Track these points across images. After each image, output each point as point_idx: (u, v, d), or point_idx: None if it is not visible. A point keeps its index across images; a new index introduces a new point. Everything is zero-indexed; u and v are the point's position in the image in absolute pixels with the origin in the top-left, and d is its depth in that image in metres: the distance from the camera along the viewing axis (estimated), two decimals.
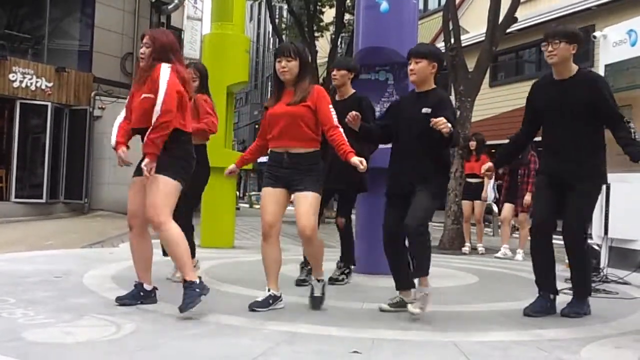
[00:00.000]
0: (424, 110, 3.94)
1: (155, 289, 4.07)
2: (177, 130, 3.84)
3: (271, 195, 4.01)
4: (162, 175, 3.78)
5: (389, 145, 4.36)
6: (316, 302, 4.10)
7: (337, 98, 5.25)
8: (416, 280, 3.99)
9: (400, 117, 4.13)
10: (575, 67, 4.17)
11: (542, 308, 4.18)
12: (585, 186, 4.10)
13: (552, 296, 4.25)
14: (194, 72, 5.09)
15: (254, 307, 3.95)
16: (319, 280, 4.15)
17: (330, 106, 3.97)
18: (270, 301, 4.00)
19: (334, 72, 5.30)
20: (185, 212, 4.86)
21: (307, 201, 3.91)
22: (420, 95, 4.09)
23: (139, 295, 3.99)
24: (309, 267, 5.26)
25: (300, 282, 5.09)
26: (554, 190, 4.21)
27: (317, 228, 3.99)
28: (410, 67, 4.06)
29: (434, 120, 3.72)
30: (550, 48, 4.11)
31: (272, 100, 4.09)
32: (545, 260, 4.30)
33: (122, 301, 3.94)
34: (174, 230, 3.80)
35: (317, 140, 4.01)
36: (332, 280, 5.12)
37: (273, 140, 4.04)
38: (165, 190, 3.80)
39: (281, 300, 4.07)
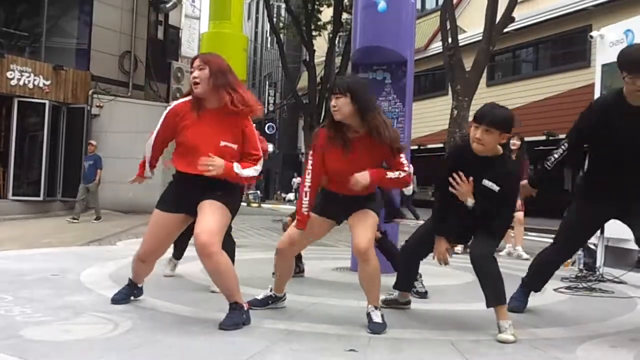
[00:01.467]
0: (487, 183, 3.54)
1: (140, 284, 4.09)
2: None
3: (316, 222, 3.77)
4: (224, 205, 3.53)
5: None
6: (378, 328, 3.53)
7: None
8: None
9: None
10: None
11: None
12: None
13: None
14: None
15: (252, 304, 3.95)
16: (376, 308, 3.63)
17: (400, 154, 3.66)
18: (270, 301, 4.02)
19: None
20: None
21: (365, 220, 3.65)
22: (486, 161, 3.60)
23: (132, 292, 4.02)
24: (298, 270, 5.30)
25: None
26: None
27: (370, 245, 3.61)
28: (477, 135, 3.54)
29: None
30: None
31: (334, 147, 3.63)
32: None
33: (117, 302, 3.92)
34: (224, 261, 3.50)
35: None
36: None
37: (332, 184, 3.74)
38: (225, 220, 3.56)
39: (283, 299, 4.06)
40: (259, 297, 4.02)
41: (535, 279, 4.29)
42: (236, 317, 3.46)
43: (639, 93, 3.56)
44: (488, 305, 3.56)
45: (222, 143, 3.54)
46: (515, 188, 3.75)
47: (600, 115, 3.73)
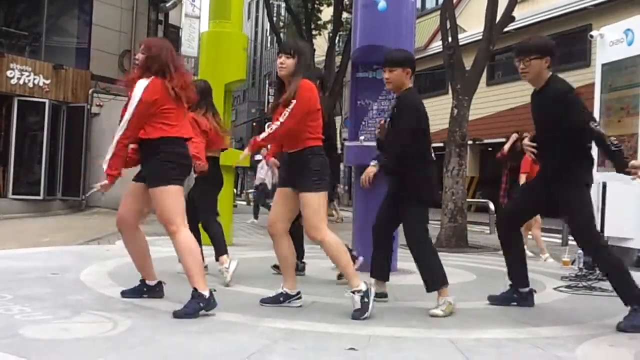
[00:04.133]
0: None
1: (160, 283, 4.15)
2: (161, 137, 3.80)
3: (278, 193, 4.08)
4: (159, 187, 3.76)
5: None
6: (355, 315, 3.78)
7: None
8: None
9: None
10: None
11: (501, 297, 4.39)
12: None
13: (521, 289, 4.34)
14: None
15: (263, 301, 4.04)
16: (354, 292, 3.83)
17: (289, 108, 3.82)
18: (281, 299, 4.03)
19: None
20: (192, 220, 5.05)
21: (303, 203, 3.89)
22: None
23: (142, 291, 4.08)
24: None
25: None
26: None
27: (325, 226, 3.87)
28: (385, 75, 4.21)
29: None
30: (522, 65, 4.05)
31: (275, 99, 4.08)
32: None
33: (125, 295, 4.06)
34: (186, 239, 3.75)
35: (309, 138, 3.91)
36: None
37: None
38: (169, 198, 3.75)
39: (298, 298, 4.06)
40: (272, 294, 4.07)
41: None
42: (191, 306, 3.61)
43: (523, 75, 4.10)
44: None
45: None
46: (405, 111, 4.25)
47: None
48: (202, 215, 5.32)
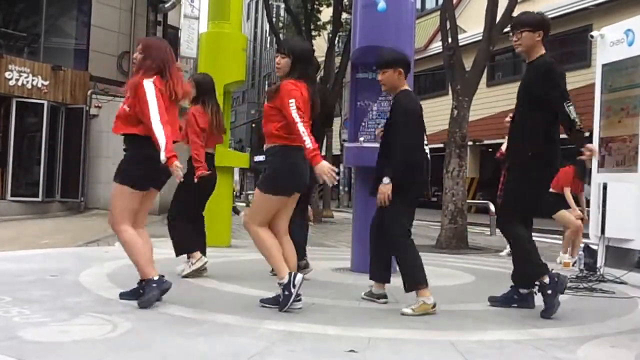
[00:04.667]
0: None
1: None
2: (134, 135, 3.87)
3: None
4: (115, 183, 3.97)
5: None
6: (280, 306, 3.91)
7: None
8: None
9: None
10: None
11: (502, 298, 4.39)
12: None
13: (522, 290, 4.33)
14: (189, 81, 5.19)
15: (262, 302, 4.03)
16: (278, 284, 3.94)
17: (291, 102, 3.79)
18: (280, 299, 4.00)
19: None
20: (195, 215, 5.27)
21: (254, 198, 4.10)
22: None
23: (140, 292, 4.01)
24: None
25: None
26: None
27: (255, 223, 3.98)
28: (379, 77, 4.27)
29: None
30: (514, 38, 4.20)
31: None
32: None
33: (123, 297, 4.05)
34: (128, 238, 3.91)
35: (277, 136, 3.94)
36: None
37: None
38: (115, 195, 3.99)
39: (298, 300, 3.94)
40: (271, 296, 4.05)
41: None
42: (149, 291, 3.81)
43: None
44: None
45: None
46: (396, 112, 4.25)
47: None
48: (171, 212, 5.30)
